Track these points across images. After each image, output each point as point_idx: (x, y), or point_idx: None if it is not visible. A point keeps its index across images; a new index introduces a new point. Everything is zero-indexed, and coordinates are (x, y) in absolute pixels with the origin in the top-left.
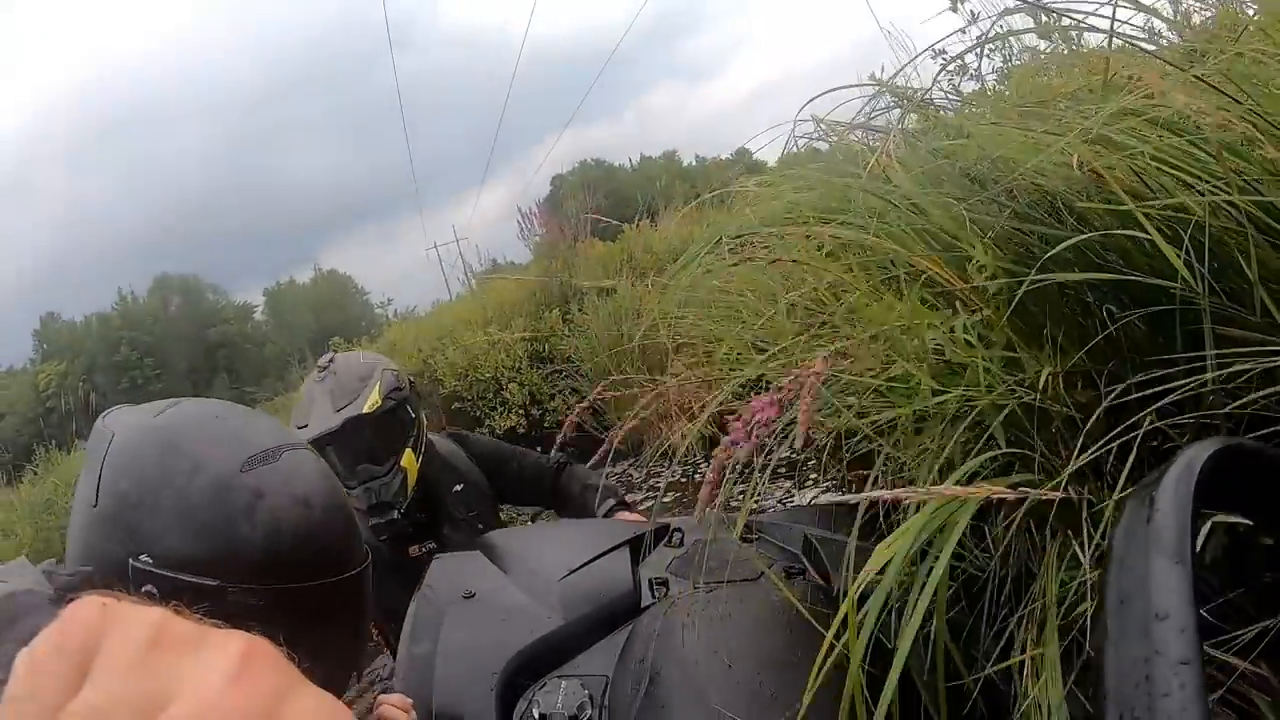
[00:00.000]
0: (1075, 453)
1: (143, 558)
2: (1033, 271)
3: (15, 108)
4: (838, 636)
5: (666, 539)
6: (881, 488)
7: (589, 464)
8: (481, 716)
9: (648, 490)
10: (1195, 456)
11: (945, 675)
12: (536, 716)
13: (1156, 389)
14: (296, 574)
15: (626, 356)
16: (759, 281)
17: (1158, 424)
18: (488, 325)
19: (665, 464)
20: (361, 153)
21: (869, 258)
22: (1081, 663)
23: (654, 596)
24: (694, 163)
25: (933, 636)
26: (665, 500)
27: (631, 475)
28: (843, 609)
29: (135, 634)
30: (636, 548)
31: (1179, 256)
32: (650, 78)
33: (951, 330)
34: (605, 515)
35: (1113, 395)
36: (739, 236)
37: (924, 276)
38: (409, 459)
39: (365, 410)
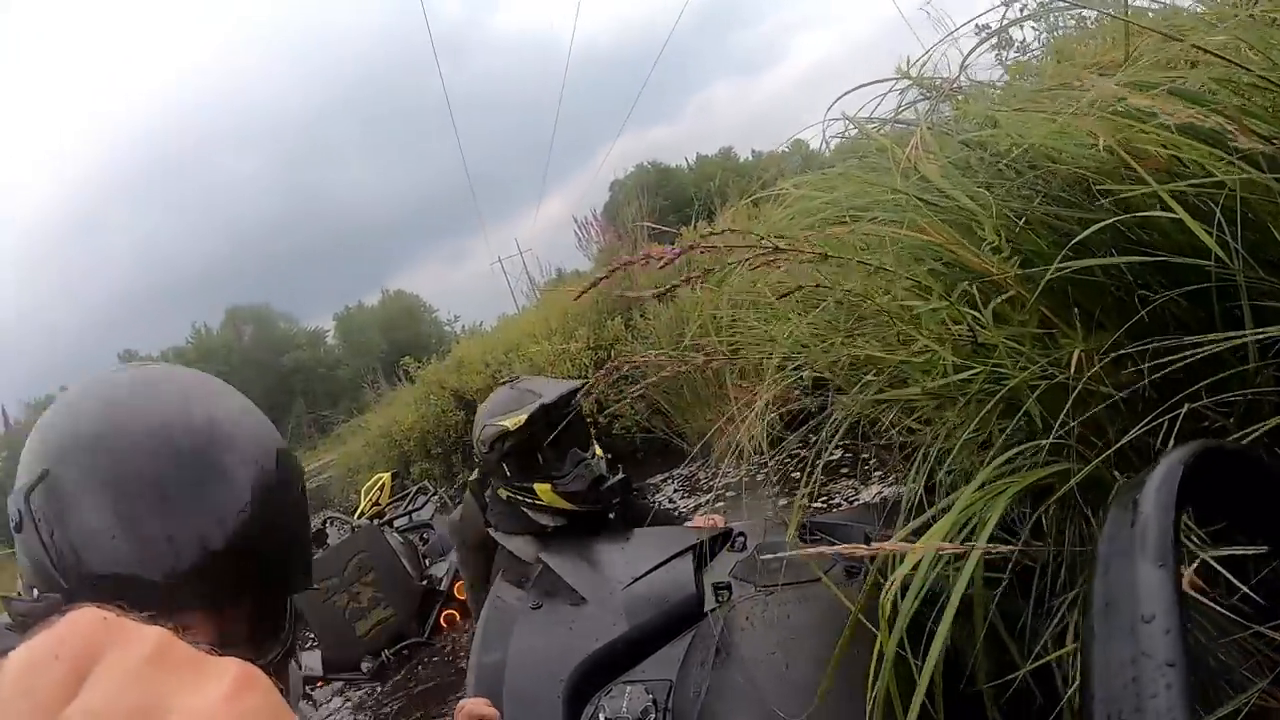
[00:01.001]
0: (1106, 433)
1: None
2: (1059, 257)
3: (83, 150)
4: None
5: (729, 543)
6: (923, 477)
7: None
8: None
9: (715, 493)
10: (1177, 459)
11: (999, 666)
12: None
13: (1191, 364)
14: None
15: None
16: (799, 281)
17: (1201, 403)
18: (551, 337)
19: (732, 465)
20: (421, 171)
21: (903, 250)
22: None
23: (716, 601)
24: (750, 158)
25: (976, 630)
26: (728, 497)
27: (699, 477)
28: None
29: (136, 648)
30: (700, 554)
31: (1209, 233)
32: (705, 74)
33: (978, 311)
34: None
35: (1139, 375)
36: (780, 237)
37: (959, 262)
38: (599, 450)
39: (572, 389)
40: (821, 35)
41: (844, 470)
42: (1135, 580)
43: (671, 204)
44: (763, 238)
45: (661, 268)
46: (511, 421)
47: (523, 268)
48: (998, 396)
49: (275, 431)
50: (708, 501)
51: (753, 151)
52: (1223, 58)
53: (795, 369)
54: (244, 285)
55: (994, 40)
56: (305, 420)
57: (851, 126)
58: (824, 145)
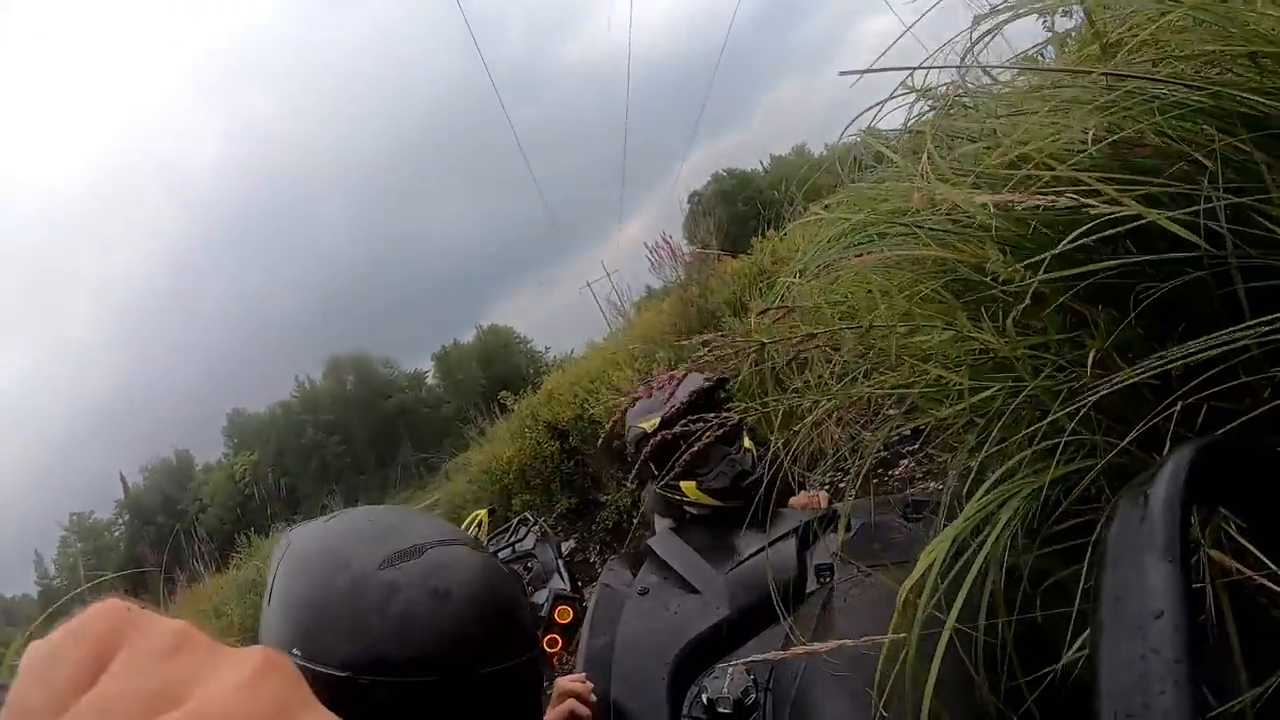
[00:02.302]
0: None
1: (294, 651)
2: (1044, 263)
3: (176, 218)
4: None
5: (834, 523)
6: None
7: None
8: (655, 704)
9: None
10: (1185, 455)
11: (1031, 663)
12: (705, 702)
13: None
14: (428, 668)
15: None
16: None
17: (1209, 391)
18: (634, 362)
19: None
20: (504, 206)
21: (906, 278)
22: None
23: (819, 582)
24: (824, 151)
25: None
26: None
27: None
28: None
29: (156, 637)
30: (804, 535)
31: (1193, 219)
32: (770, 74)
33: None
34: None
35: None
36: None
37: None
38: (749, 444)
39: (710, 384)
40: (884, 18)
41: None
42: (1144, 576)
43: (750, 209)
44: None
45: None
46: (649, 424)
47: (611, 290)
48: (1013, 406)
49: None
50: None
51: (825, 145)
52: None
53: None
54: (342, 335)
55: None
56: (412, 461)
57: (871, 142)
58: (845, 168)
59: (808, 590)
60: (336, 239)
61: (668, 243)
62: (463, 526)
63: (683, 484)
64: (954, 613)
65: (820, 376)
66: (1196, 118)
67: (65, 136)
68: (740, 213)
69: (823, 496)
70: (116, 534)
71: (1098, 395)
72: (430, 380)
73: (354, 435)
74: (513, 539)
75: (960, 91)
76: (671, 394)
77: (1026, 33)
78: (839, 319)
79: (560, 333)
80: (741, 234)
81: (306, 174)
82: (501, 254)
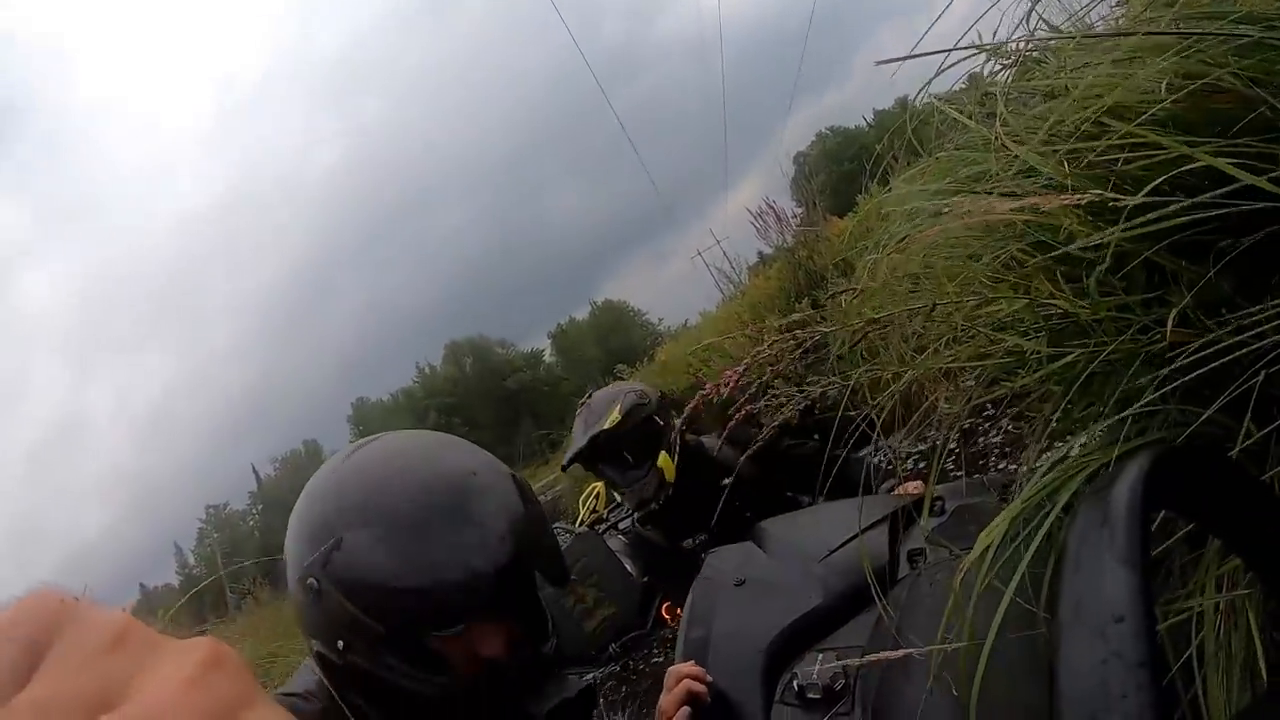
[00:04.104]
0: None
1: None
2: (1124, 215)
3: (304, 224)
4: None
5: (930, 508)
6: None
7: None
8: (750, 691)
9: (918, 458)
10: (1146, 460)
11: None
12: (796, 688)
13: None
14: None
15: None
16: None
17: None
18: (745, 329)
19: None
20: (614, 185)
21: (984, 242)
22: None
23: (910, 566)
24: (928, 100)
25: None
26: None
27: (902, 446)
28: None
29: (94, 631)
30: (897, 521)
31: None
32: (864, 26)
33: (1074, 290)
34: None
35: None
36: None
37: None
38: (664, 460)
39: (606, 427)
40: None
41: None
42: (1105, 580)
43: (856, 165)
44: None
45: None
46: (565, 460)
47: (723, 257)
48: (1089, 373)
49: (503, 465)
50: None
51: (930, 95)
52: None
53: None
54: (461, 322)
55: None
56: (534, 438)
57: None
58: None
59: (900, 575)
60: (452, 233)
61: (772, 208)
62: (581, 499)
63: (617, 493)
64: (1008, 594)
65: (899, 348)
66: (1275, 58)
67: (191, 159)
68: (848, 170)
69: (920, 485)
70: (251, 523)
71: (1183, 359)
72: (548, 358)
73: (476, 416)
74: (629, 511)
75: (1029, 47)
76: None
77: None
78: (909, 296)
79: (674, 304)
80: (850, 191)
81: (420, 173)
82: (612, 233)
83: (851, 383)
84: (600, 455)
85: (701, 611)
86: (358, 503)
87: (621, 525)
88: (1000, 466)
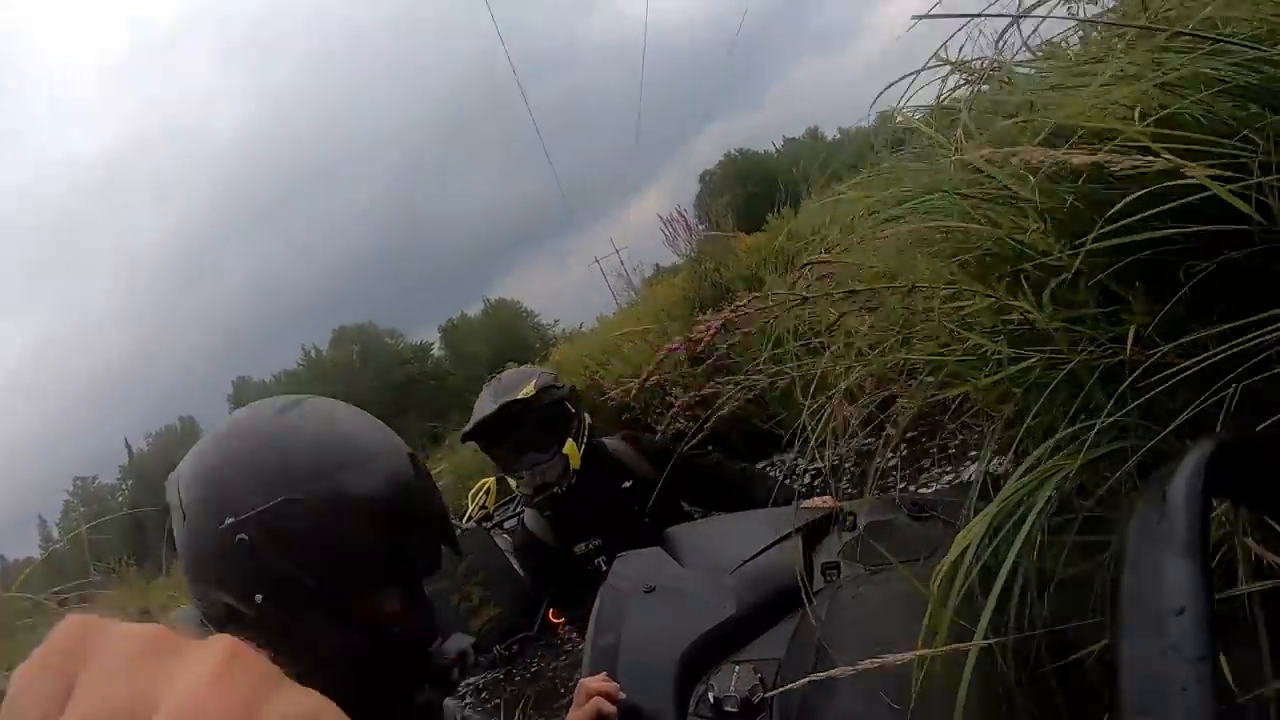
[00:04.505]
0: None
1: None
2: (1094, 233)
3: (193, 187)
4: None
5: (839, 523)
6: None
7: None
8: (662, 702)
9: (814, 474)
10: (1205, 450)
11: (1060, 653)
12: (711, 700)
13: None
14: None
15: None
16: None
17: (1256, 379)
18: (647, 335)
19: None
20: (518, 183)
21: (946, 246)
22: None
23: (825, 581)
24: (837, 135)
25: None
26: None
27: (797, 462)
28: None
29: (118, 646)
30: (809, 534)
31: (1245, 195)
32: (786, 57)
33: (1027, 299)
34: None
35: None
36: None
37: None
38: (570, 448)
39: (520, 396)
40: (899, 6)
41: (952, 450)
42: (1164, 572)
43: (762, 190)
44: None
45: (707, 340)
46: (469, 426)
47: (620, 266)
48: (1054, 381)
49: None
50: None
51: (839, 130)
52: None
53: (855, 376)
54: (351, 307)
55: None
56: (418, 432)
57: (896, 117)
58: (875, 146)
59: (815, 589)
60: (351, 213)
61: (683, 216)
62: (470, 494)
63: (510, 479)
64: (991, 600)
65: (852, 342)
66: (1245, 97)
67: (88, 99)
68: (750, 194)
69: (829, 500)
70: (120, 499)
71: (1135, 375)
72: (436, 352)
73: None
74: (518, 509)
75: (996, 66)
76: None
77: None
78: (880, 281)
79: (568, 308)
80: (751, 215)
81: (325, 147)
82: (513, 230)
83: (796, 375)
84: (507, 428)
85: (610, 618)
86: (308, 464)
87: (508, 525)
88: (900, 487)
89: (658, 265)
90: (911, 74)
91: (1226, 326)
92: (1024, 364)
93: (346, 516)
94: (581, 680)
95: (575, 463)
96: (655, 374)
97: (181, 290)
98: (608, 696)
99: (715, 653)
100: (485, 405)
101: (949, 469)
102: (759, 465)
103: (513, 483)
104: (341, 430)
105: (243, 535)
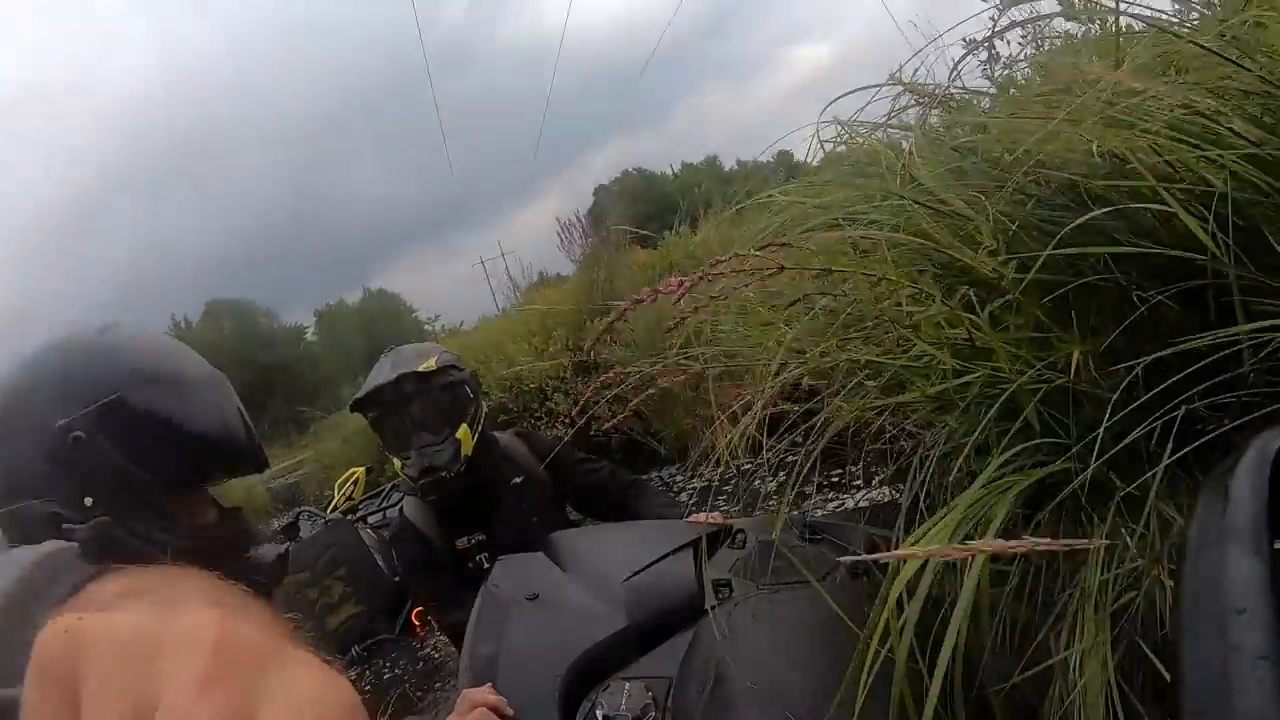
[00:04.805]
0: (1095, 436)
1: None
2: (1048, 251)
3: (86, 142)
4: (884, 638)
5: (729, 540)
6: (921, 482)
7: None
8: (545, 718)
9: (690, 493)
10: (1268, 443)
11: (997, 671)
12: (600, 718)
13: (1193, 367)
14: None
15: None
16: (794, 286)
17: (1196, 405)
18: (531, 338)
19: (710, 467)
20: (417, 175)
21: (901, 254)
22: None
23: (717, 598)
24: (735, 166)
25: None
26: (722, 500)
27: (676, 480)
28: (884, 611)
29: (106, 650)
30: (700, 550)
31: (1202, 228)
32: (697, 80)
33: (976, 315)
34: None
35: (1135, 376)
36: (768, 246)
37: (956, 266)
38: (464, 433)
39: (420, 369)
40: (812, 49)
41: (835, 475)
42: (1226, 570)
43: (655, 209)
44: (762, 253)
45: (678, 299)
46: (361, 393)
47: (505, 270)
48: (999, 401)
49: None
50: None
51: (738, 161)
52: (1219, 54)
53: (791, 372)
54: (232, 281)
55: (982, 50)
56: (283, 417)
57: (843, 132)
58: (810, 154)
59: (707, 605)
60: (242, 185)
61: (580, 221)
62: (337, 484)
63: (394, 459)
64: (961, 620)
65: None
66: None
67: None
68: (642, 212)
69: (718, 516)
70: None
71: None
72: (310, 337)
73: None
74: (385, 504)
75: (948, 94)
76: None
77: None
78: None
79: (450, 307)
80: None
81: (224, 113)
82: (403, 224)
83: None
84: (402, 401)
85: (489, 626)
86: (136, 366)
87: (373, 519)
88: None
89: (541, 273)
90: (862, 89)
91: (1188, 342)
92: (967, 378)
93: (181, 404)
94: (465, 691)
95: (468, 449)
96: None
97: (61, 246)
98: (496, 710)
99: (603, 668)
100: (383, 373)
101: (832, 496)
102: (649, 475)
103: (397, 464)
104: (165, 344)
105: (78, 433)
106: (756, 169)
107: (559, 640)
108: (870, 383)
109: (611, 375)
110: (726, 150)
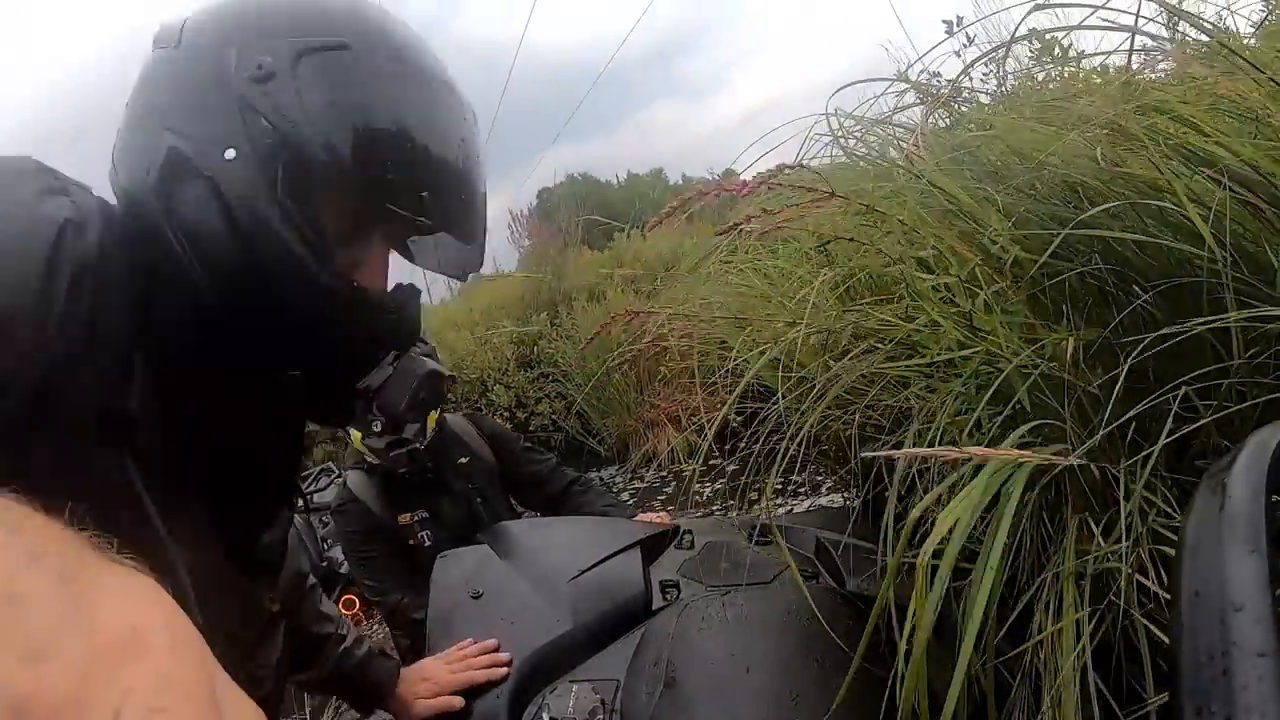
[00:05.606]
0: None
1: None
2: (1056, 243)
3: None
4: (873, 635)
5: (676, 540)
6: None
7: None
8: None
9: (631, 493)
10: (1266, 440)
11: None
12: None
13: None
14: None
15: (615, 363)
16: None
17: (1183, 390)
18: (474, 327)
19: (651, 468)
20: None
21: (902, 234)
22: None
23: (665, 599)
24: (680, 181)
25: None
26: (659, 502)
27: (615, 480)
28: (892, 603)
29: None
30: (646, 549)
31: (1204, 218)
32: (651, 95)
33: (973, 298)
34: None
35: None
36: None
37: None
38: (431, 419)
39: (445, 371)
40: (764, 76)
41: (782, 481)
42: (1225, 567)
43: (600, 215)
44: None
45: (744, 194)
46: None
47: None
48: (996, 382)
49: None
50: (635, 501)
51: (683, 176)
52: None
53: (798, 333)
54: None
55: (988, 57)
56: None
57: (841, 127)
58: (801, 154)
59: (655, 606)
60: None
61: (531, 214)
62: None
63: (351, 431)
64: (985, 582)
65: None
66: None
67: None
68: (587, 219)
69: (665, 516)
70: None
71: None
72: None
73: None
74: (312, 489)
75: (954, 96)
76: None
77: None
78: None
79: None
80: (585, 237)
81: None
82: None
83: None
84: (418, 384)
85: (440, 626)
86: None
87: (317, 499)
88: (723, 511)
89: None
90: (861, 81)
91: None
92: (968, 351)
93: (394, 87)
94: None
95: (432, 424)
96: (742, 187)
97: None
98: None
99: (550, 669)
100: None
101: (781, 502)
102: (591, 473)
103: (356, 435)
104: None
105: (268, 58)
106: (703, 185)
107: (505, 642)
108: (880, 346)
109: (626, 313)
110: (672, 165)
